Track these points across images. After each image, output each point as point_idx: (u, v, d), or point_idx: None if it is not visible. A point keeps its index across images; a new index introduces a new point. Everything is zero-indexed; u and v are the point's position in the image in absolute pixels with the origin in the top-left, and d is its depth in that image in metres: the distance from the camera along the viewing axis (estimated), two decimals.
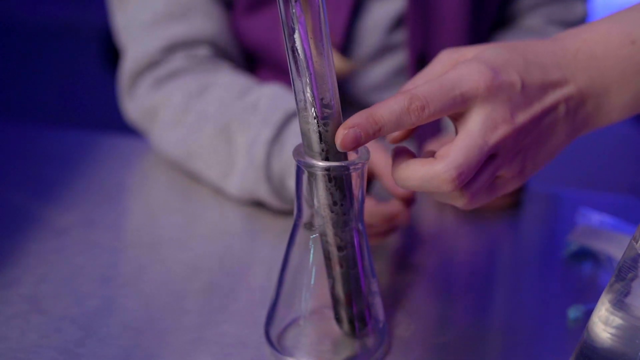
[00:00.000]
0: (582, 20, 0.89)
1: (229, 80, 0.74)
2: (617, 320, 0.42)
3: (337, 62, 0.78)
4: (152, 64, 0.76)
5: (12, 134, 0.86)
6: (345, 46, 0.79)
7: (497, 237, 0.70)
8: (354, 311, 0.50)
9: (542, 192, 0.78)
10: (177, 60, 0.76)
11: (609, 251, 0.62)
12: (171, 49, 0.76)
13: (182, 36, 0.76)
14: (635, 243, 0.41)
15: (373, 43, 0.80)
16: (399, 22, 0.80)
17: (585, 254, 0.63)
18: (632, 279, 0.42)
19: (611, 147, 2.25)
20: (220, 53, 0.79)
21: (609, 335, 0.43)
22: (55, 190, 0.72)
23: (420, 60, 0.81)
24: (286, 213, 0.69)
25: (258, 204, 0.71)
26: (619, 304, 0.42)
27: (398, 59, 0.82)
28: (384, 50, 0.81)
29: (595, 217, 0.67)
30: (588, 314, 0.54)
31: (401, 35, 0.81)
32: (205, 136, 0.71)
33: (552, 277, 0.62)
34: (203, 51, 0.77)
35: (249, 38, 0.81)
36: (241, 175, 0.69)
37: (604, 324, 0.43)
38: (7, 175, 0.75)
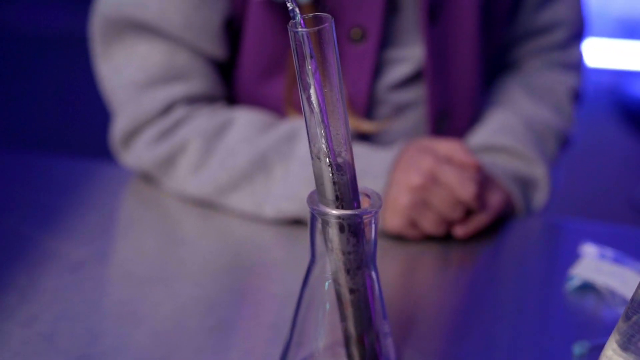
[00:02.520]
0: (579, 61, 0.93)
1: (249, 116, 0.77)
2: None
3: (365, 125, 0.80)
4: (149, 122, 0.77)
5: (23, 164, 0.87)
6: (368, 108, 0.82)
7: (500, 270, 0.71)
8: (365, 350, 0.51)
9: (543, 223, 0.80)
10: (179, 112, 0.77)
11: (612, 285, 0.64)
12: (170, 106, 0.77)
13: (179, 95, 0.77)
14: None
15: (392, 102, 0.83)
16: (417, 77, 0.82)
17: (588, 288, 0.65)
18: (638, 322, 0.43)
19: (612, 166, 2.28)
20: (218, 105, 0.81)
21: None
22: (68, 222, 0.74)
23: (439, 115, 0.84)
24: (298, 249, 0.70)
25: (273, 241, 0.73)
26: (626, 346, 0.44)
27: (417, 114, 0.84)
28: (402, 108, 0.83)
29: (597, 251, 0.68)
30: (593, 350, 0.56)
31: (419, 92, 0.83)
32: (237, 170, 0.74)
33: (555, 312, 0.63)
34: (201, 103, 0.79)
35: (264, 103, 0.82)
36: (280, 199, 0.73)
37: None
38: (20, 207, 0.77)
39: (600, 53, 2.59)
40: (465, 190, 0.70)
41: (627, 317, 0.44)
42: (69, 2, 2.88)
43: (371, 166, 0.72)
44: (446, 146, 0.73)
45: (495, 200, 0.75)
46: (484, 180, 0.74)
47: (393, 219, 0.71)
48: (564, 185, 0.97)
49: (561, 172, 0.93)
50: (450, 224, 0.72)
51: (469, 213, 0.73)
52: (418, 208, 0.70)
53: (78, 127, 2.21)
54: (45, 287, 0.63)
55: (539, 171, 0.81)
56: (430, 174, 0.70)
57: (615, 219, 1.91)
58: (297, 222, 0.74)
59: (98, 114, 0.86)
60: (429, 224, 0.71)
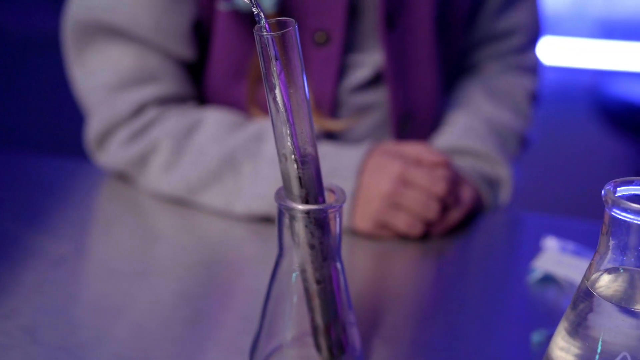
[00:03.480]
0: (535, 64, 0.97)
1: (219, 116, 0.79)
2: (572, 349, 0.46)
3: (330, 124, 0.83)
4: (122, 123, 0.80)
5: (5, 163, 0.89)
6: (333, 110, 0.84)
7: (467, 263, 0.74)
8: (332, 339, 0.54)
9: (508, 218, 0.82)
10: (150, 113, 0.79)
11: (572, 277, 0.66)
12: (141, 108, 0.79)
13: (151, 97, 0.79)
14: (586, 281, 0.45)
15: (353, 104, 0.85)
16: (376, 81, 0.85)
17: (549, 280, 0.68)
18: (584, 310, 0.46)
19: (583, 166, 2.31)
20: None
21: None
22: (50, 219, 0.76)
23: (402, 117, 0.86)
24: (270, 244, 0.73)
25: (245, 237, 0.76)
26: (574, 333, 0.46)
27: (379, 115, 0.87)
28: (364, 109, 0.86)
29: (558, 244, 0.71)
30: (550, 338, 0.58)
31: (379, 94, 0.86)
32: (207, 169, 0.76)
33: (518, 302, 0.66)
34: (172, 104, 0.81)
35: (233, 103, 0.85)
36: (250, 198, 0.75)
37: (561, 350, 0.47)
38: (1, 204, 0.78)
39: (580, 53, 2.62)
40: (437, 187, 0.73)
41: (575, 306, 0.46)
42: (51, 3, 2.87)
43: (339, 167, 0.74)
44: (413, 149, 0.76)
45: (467, 195, 0.78)
46: (455, 177, 0.77)
47: (363, 222, 0.74)
48: (524, 182, 1.00)
49: (521, 170, 0.97)
50: (427, 224, 0.75)
51: (445, 209, 0.76)
52: (389, 211, 0.73)
53: (58, 126, 2.22)
54: (25, 282, 0.65)
55: (502, 171, 0.84)
56: (400, 178, 0.73)
57: (595, 216, 1.94)
58: (267, 219, 0.77)
59: (78, 114, 0.88)
60: (402, 225, 0.73)
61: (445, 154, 0.78)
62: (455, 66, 0.96)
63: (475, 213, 0.81)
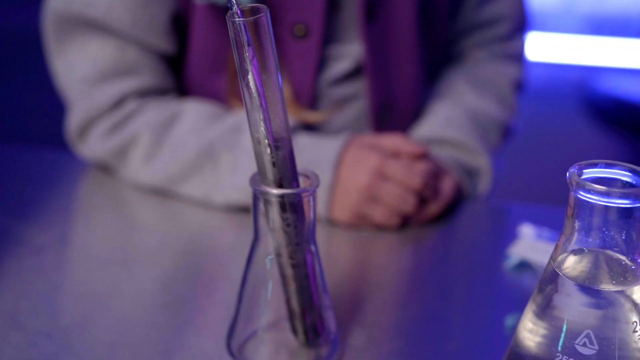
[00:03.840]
0: (520, 52, 0.97)
1: (198, 107, 0.79)
2: (539, 330, 0.47)
3: (309, 116, 0.83)
4: (101, 115, 0.80)
5: None
6: (312, 101, 0.85)
7: (445, 250, 0.75)
8: (307, 323, 0.55)
9: (487, 207, 0.84)
10: (130, 105, 0.80)
11: (546, 263, 0.67)
12: (121, 100, 0.80)
13: (130, 89, 0.80)
14: (553, 262, 0.46)
15: (332, 96, 0.86)
16: (356, 73, 0.86)
17: (524, 266, 0.69)
18: (551, 291, 0.47)
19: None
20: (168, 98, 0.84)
21: (532, 344, 0.48)
22: (33, 208, 0.76)
23: (382, 108, 0.87)
24: (250, 233, 0.73)
25: (224, 226, 0.77)
26: (541, 314, 0.47)
27: (359, 107, 0.88)
28: (343, 101, 0.87)
29: (534, 231, 0.72)
30: None
31: (358, 86, 0.86)
32: (187, 160, 0.77)
33: (493, 288, 0.67)
34: (152, 96, 0.82)
35: (212, 95, 0.85)
36: (229, 189, 0.76)
37: (528, 332, 0.48)
38: None
39: (568, 49, 2.64)
40: (414, 181, 0.74)
41: (541, 288, 0.47)
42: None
43: (317, 158, 0.75)
44: (391, 141, 0.77)
45: (446, 186, 0.78)
46: (435, 168, 0.77)
47: (342, 214, 0.75)
48: (512, 176, 1.00)
49: (505, 161, 0.97)
50: (404, 217, 0.75)
51: (423, 201, 0.77)
52: (367, 204, 0.74)
53: (41, 117, 2.22)
54: (7, 269, 0.65)
55: (481, 162, 0.85)
56: (377, 171, 0.73)
57: None
58: (246, 209, 0.77)
59: (61, 105, 0.89)
60: (380, 217, 0.74)
61: (424, 145, 0.79)
62: (439, 56, 0.96)
63: (454, 203, 0.81)
